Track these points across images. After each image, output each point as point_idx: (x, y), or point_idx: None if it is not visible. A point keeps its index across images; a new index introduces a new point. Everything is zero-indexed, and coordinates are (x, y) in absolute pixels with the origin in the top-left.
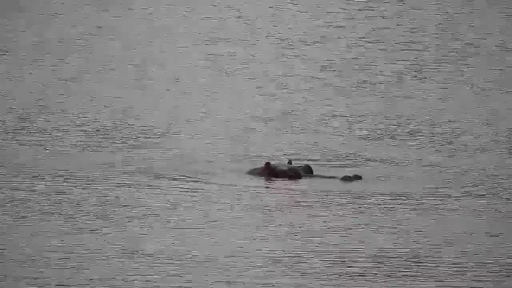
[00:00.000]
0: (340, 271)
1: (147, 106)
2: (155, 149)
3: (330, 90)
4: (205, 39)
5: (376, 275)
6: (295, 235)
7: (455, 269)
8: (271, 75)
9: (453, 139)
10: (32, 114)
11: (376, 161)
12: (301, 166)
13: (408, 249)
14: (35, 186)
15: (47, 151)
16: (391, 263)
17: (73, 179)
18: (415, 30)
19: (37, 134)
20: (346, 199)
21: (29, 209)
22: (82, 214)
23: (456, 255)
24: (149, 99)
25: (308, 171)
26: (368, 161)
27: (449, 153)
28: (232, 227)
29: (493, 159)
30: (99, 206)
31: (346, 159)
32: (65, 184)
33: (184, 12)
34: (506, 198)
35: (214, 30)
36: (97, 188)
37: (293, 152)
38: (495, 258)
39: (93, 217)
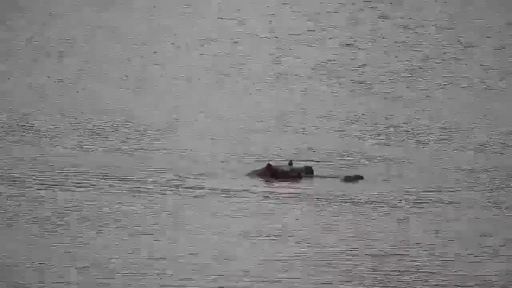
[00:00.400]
0: (342, 271)
1: (147, 106)
2: (155, 149)
3: (330, 89)
4: (205, 39)
5: (378, 275)
6: (296, 236)
7: (460, 270)
8: (271, 75)
9: (453, 139)
10: (32, 114)
11: (378, 161)
12: (302, 166)
13: (409, 249)
14: (34, 187)
15: (46, 151)
16: (393, 263)
17: (72, 179)
18: (414, 30)
19: (36, 134)
20: (347, 199)
21: (28, 209)
22: (81, 215)
23: (460, 253)
24: (149, 99)
25: (309, 172)
26: (369, 161)
27: (449, 153)
28: (232, 228)
29: (494, 159)
30: (99, 206)
31: (347, 159)
32: (64, 184)
33: (184, 12)
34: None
35: (213, 30)
36: (96, 189)
37: (294, 152)
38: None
39: (94, 217)
